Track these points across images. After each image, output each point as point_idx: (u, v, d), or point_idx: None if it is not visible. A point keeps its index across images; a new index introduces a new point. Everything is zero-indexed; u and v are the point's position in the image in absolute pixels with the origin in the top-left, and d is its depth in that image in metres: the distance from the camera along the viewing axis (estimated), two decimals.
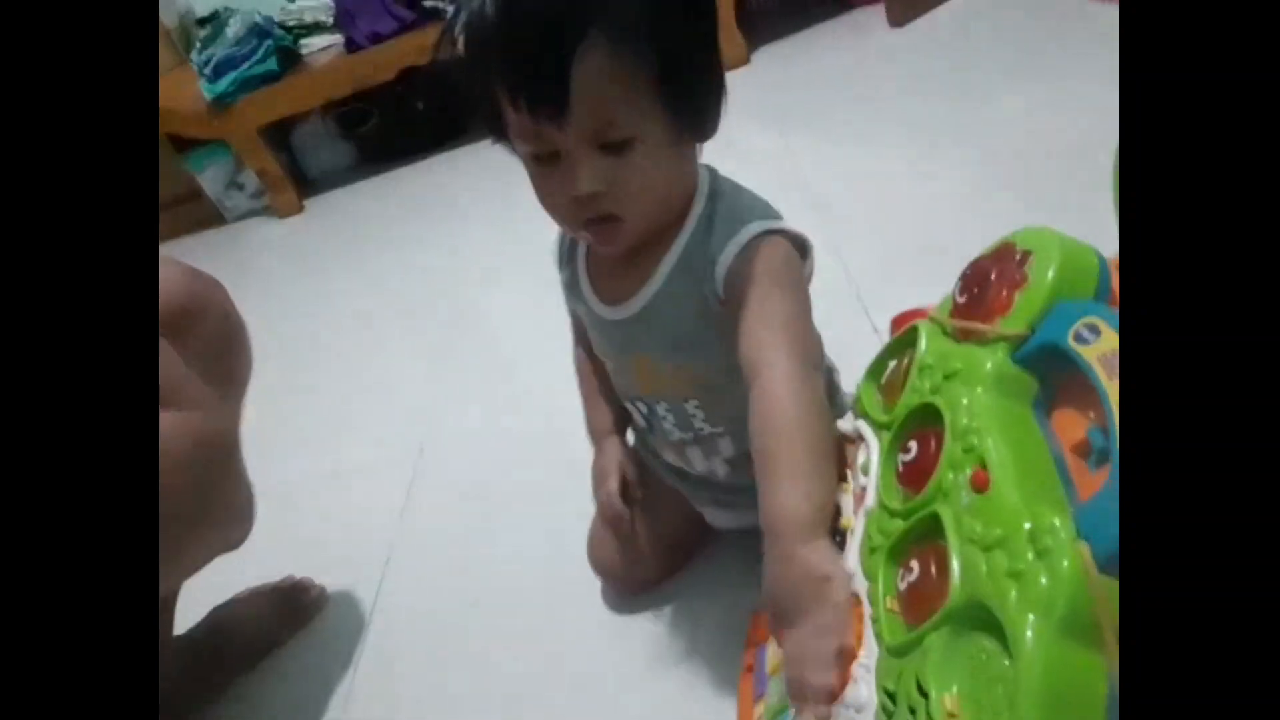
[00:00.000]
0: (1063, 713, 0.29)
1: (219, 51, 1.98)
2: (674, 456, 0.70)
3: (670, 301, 0.59)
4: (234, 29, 2.02)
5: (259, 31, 2.03)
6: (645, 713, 0.69)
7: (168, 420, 0.62)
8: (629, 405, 0.70)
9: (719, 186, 0.60)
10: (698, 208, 0.59)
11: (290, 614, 0.92)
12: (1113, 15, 1.38)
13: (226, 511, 0.70)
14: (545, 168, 0.56)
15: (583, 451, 0.78)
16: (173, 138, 2.09)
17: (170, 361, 0.64)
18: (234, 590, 0.92)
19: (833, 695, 0.39)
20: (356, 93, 2.06)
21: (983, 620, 0.33)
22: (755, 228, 0.56)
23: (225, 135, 2.03)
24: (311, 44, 2.18)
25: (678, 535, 0.77)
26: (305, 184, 2.24)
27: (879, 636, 0.39)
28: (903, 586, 0.39)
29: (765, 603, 0.47)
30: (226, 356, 0.76)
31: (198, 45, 2.05)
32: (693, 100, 0.55)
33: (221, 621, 0.90)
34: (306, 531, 1.05)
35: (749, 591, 0.69)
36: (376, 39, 2.05)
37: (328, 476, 1.16)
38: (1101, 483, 0.36)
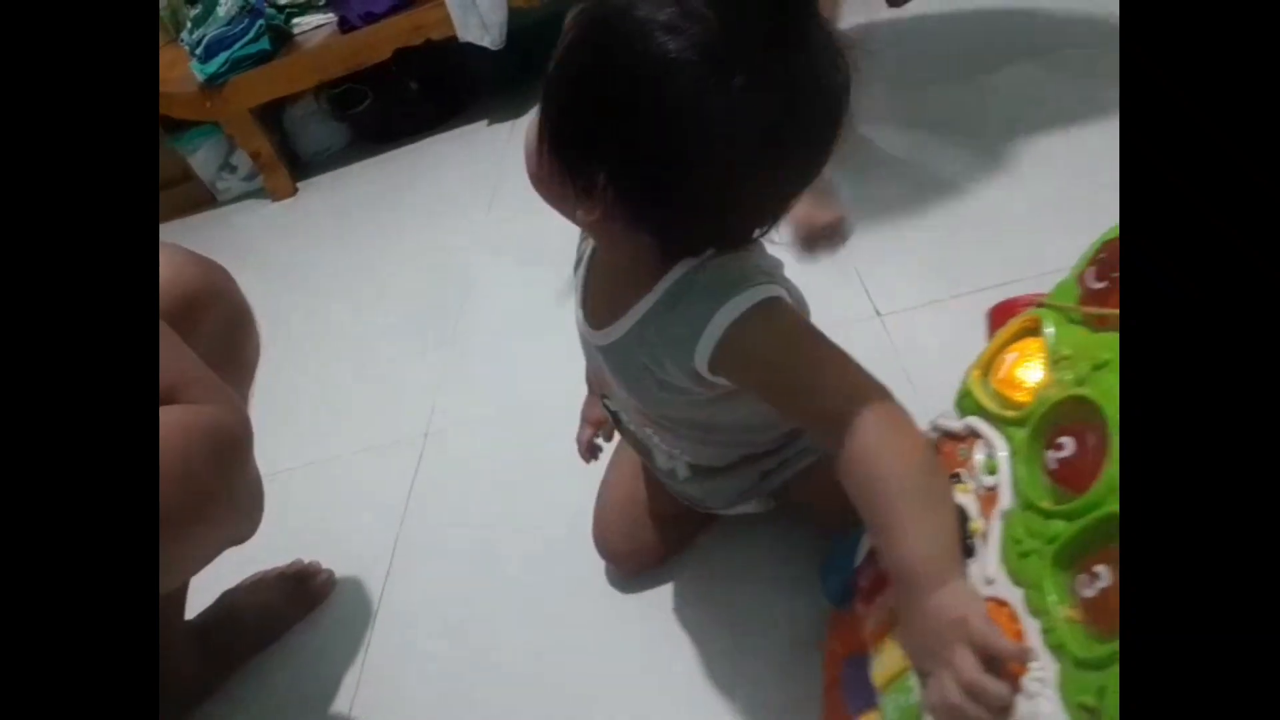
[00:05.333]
0: None
1: (210, 31, 1.91)
2: (639, 449, 0.72)
3: (629, 352, 0.57)
4: (225, 8, 1.95)
5: (250, 11, 1.96)
6: (655, 693, 0.71)
7: (182, 414, 0.61)
8: (603, 400, 0.71)
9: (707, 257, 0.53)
10: (679, 270, 0.53)
11: (299, 597, 0.93)
12: None
13: (238, 504, 0.70)
14: None
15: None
16: (163, 119, 2.02)
17: (182, 353, 0.63)
18: (242, 576, 0.93)
19: (1006, 711, 0.37)
20: (350, 73, 2.00)
21: None
22: (738, 305, 0.50)
23: (217, 116, 1.96)
24: (304, 23, 2.11)
25: (674, 510, 0.77)
26: (298, 165, 2.18)
27: (1056, 649, 0.36)
28: (1089, 594, 0.36)
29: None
30: (236, 344, 0.77)
31: (188, 25, 1.98)
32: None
33: (231, 606, 0.91)
34: (313, 517, 1.06)
35: (753, 584, 0.75)
36: (370, 18, 1.99)
37: (332, 462, 1.16)
38: None
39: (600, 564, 0.82)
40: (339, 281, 1.62)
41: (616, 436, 0.81)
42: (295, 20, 2.10)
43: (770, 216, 0.52)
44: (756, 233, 0.52)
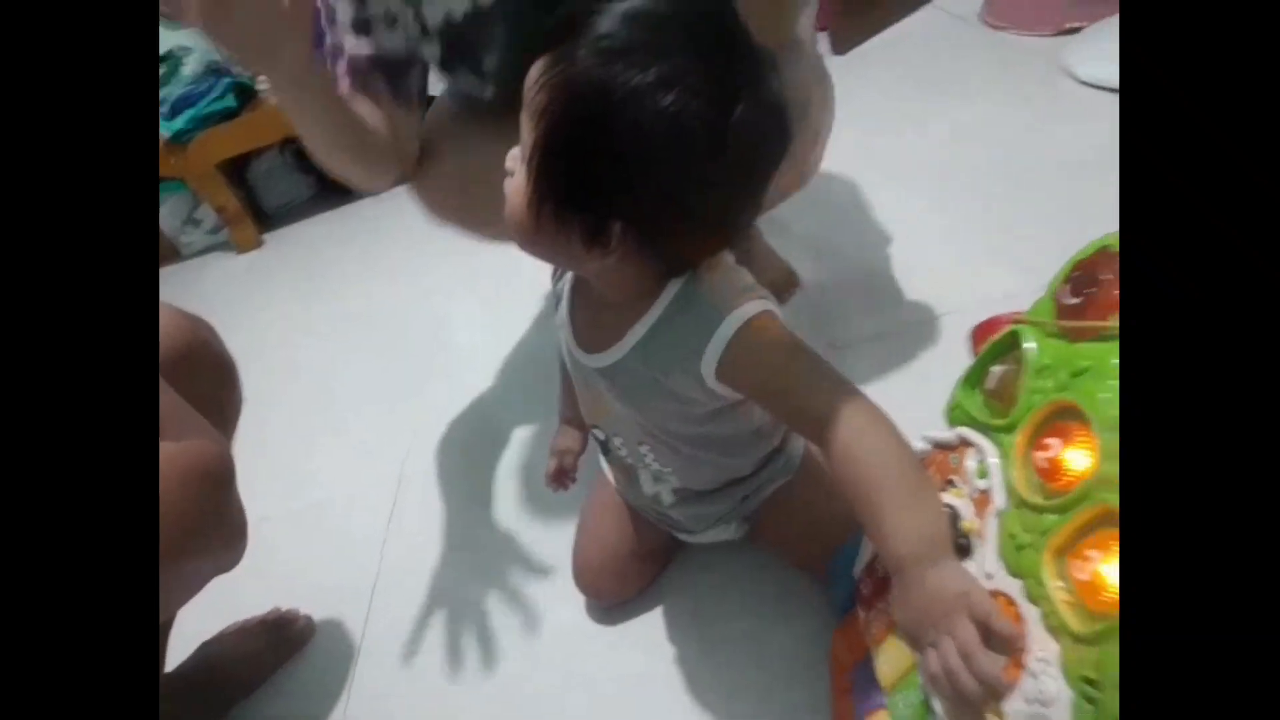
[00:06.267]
0: None
1: (175, 90, 1.93)
2: (624, 477, 0.74)
3: (636, 368, 0.60)
4: (190, 68, 1.97)
5: (215, 69, 1.99)
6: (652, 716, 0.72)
7: (167, 449, 0.63)
8: (589, 427, 0.73)
9: (697, 273, 0.57)
10: (673, 289, 0.57)
11: (280, 644, 0.93)
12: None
13: (224, 535, 0.71)
14: None
15: None
16: None
17: (168, 399, 0.65)
18: (221, 627, 0.93)
19: (1002, 686, 0.39)
20: None
21: None
22: (735, 320, 0.54)
23: (182, 173, 1.96)
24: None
25: (651, 545, 0.80)
26: (263, 217, 2.18)
27: (1057, 631, 0.39)
28: (1084, 577, 0.39)
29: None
30: (220, 396, 0.80)
31: None
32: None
33: (211, 656, 0.90)
34: (290, 564, 1.05)
35: (739, 603, 0.78)
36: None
37: (308, 509, 1.16)
38: None
39: (580, 598, 0.83)
40: (309, 332, 1.62)
41: (594, 475, 0.84)
42: (261, 77, 2.13)
43: (750, 220, 0.57)
44: (739, 237, 0.58)
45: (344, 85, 0.82)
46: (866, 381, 0.95)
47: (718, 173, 0.49)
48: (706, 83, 0.47)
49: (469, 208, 0.96)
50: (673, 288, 0.57)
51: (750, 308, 0.55)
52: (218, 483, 0.65)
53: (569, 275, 0.67)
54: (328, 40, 0.83)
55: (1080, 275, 0.49)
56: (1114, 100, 1.33)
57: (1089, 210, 1.08)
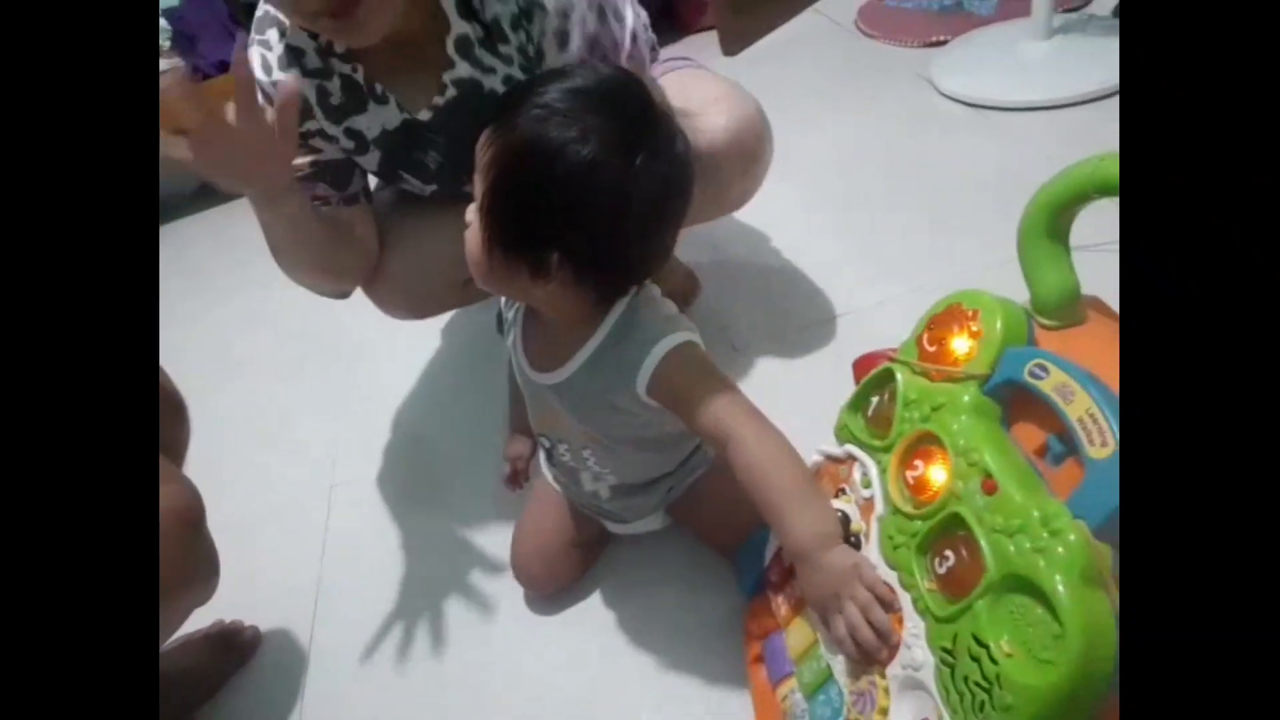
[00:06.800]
0: (1093, 634, 0.42)
1: None
2: (566, 476, 0.84)
3: (583, 384, 0.71)
4: None
5: None
6: (595, 695, 0.81)
7: None
8: (534, 434, 0.83)
9: (636, 301, 0.69)
10: (614, 315, 0.69)
11: (226, 657, 0.96)
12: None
13: (201, 571, 0.75)
14: None
15: (490, 468, 0.97)
16: None
17: None
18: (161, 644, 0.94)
19: (895, 643, 0.53)
20: None
21: (1015, 586, 0.47)
22: (666, 344, 0.67)
23: None
24: None
25: (586, 537, 0.90)
26: None
27: (923, 612, 0.52)
28: (941, 570, 0.52)
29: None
30: (172, 428, 0.83)
31: None
32: None
33: (161, 672, 0.90)
34: (229, 575, 1.06)
35: (665, 587, 0.88)
36: (225, 67, 1.97)
37: (240, 521, 1.15)
38: (1063, 476, 0.51)
39: (519, 591, 0.91)
40: (212, 340, 1.60)
41: (533, 478, 0.93)
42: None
43: (667, 252, 0.69)
44: (659, 266, 0.70)
45: None
46: (766, 381, 1.08)
47: (628, 209, 0.61)
48: (614, 137, 0.60)
49: (421, 299, 1.07)
50: (612, 317, 0.68)
51: (676, 337, 0.67)
52: (193, 525, 0.70)
53: (520, 305, 0.77)
54: None
55: (934, 328, 0.61)
56: (972, 113, 1.50)
57: (949, 219, 1.26)
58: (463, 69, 0.85)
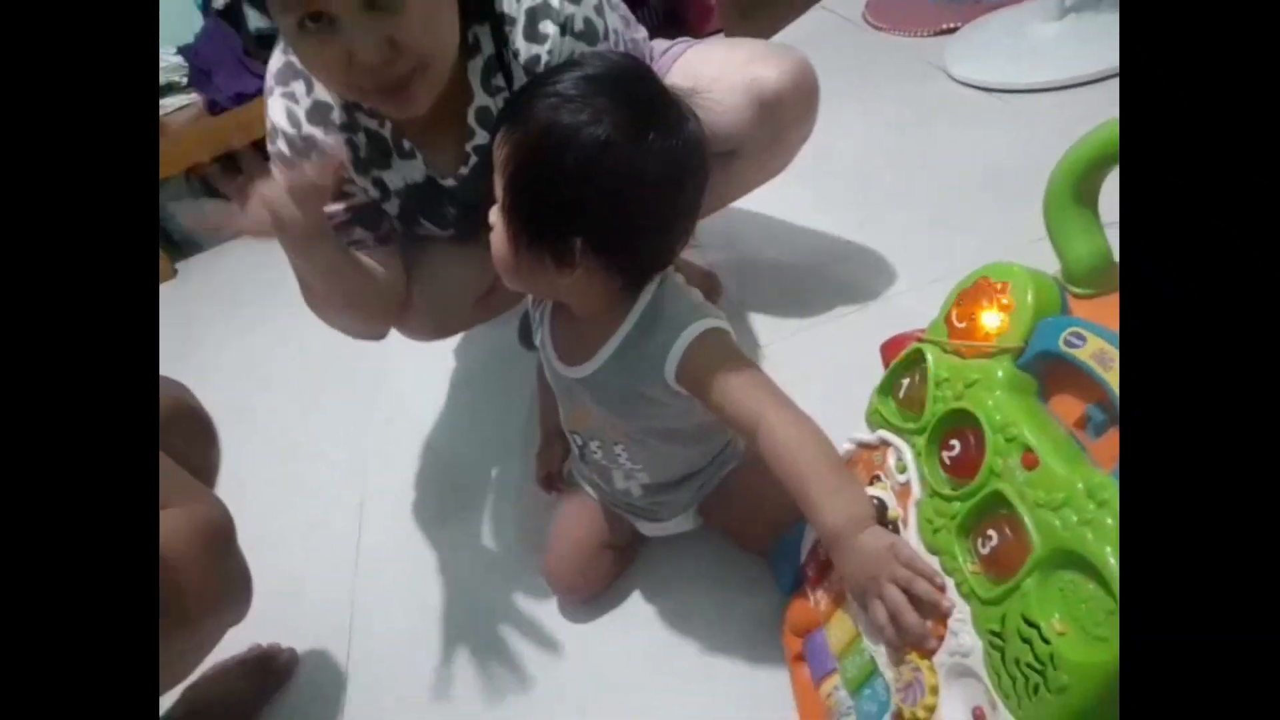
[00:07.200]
0: None
1: None
2: (598, 475, 0.84)
3: (613, 375, 0.70)
4: None
5: None
6: (637, 702, 0.79)
7: (179, 518, 0.67)
8: (566, 433, 0.83)
9: (664, 290, 0.70)
10: (642, 303, 0.69)
11: (264, 681, 0.95)
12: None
13: (235, 591, 0.75)
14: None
15: (516, 478, 0.99)
16: None
17: (165, 466, 0.70)
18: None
19: (944, 617, 0.51)
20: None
21: (1063, 562, 0.45)
22: (694, 330, 0.66)
23: None
24: (166, 105, 2.10)
25: (619, 539, 0.89)
26: (173, 245, 2.14)
27: (968, 596, 0.50)
28: (984, 551, 0.50)
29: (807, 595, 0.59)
30: (203, 451, 0.85)
31: None
32: None
33: (196, 701, 0.92)
34: (262, 598, 1.06)
35: (700, 588, 0.86)
36: (242, 99, 2.00)
37: (272, 542, 1.16)
38: (1105, 446, 0.49)
39: (554, 600, 0.90)
40: (240, 363, 1.63)
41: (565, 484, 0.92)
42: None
43: (686, 234, 0.69)
44: (679, 248, 0.70)
45: None
46: (794, 374, 1.04)
47: (646, 188, 0.62)
48: (626, 119, 0.61)
49: (443, 323, 1.09)
50: (639, 306, 0.68)
51: (705, 323, 0.67)
52: (225, 543, 0.70)
53: (547, 304, 0.77)
54: None
55: (963, 304, 0.60)
56: (987, 98, 1.48)
57: (968, 205, 1.24)
58: (481, 137, 0.87)
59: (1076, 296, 0.57)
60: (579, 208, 0.62)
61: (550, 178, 0.61)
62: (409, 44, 0.72)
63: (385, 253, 0.97)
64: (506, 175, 0.63)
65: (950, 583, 0.52)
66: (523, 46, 0.81)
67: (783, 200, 1.43)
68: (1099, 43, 1.42)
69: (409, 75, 0.74)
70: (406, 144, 0.89)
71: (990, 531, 0.50)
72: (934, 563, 0.54)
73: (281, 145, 0.86)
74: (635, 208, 0.63)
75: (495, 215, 0.66)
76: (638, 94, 0.63)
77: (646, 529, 0.89)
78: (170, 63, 2.12)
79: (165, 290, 2.03)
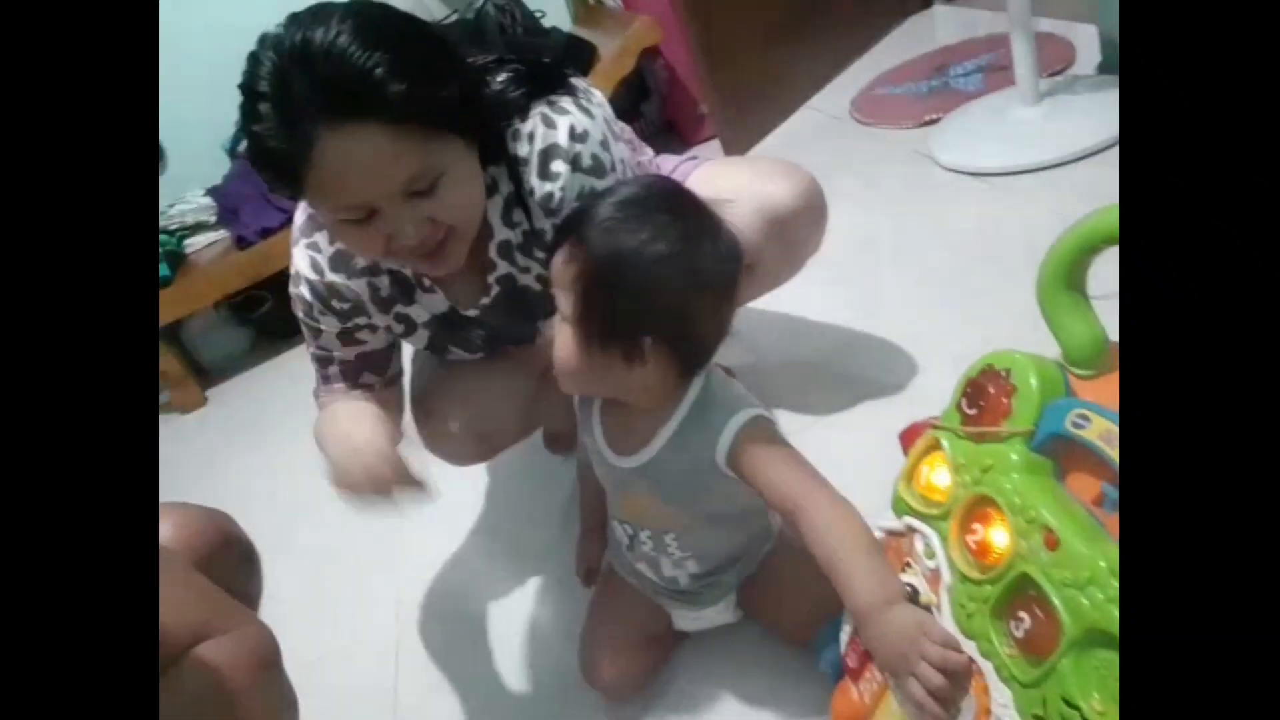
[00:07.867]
0: None
1: None
2: (646, 566, 0.86)
3: (667, 463, 0.76)
4: None
5: None
6: None
7: (231, 645, 0.69)
8: (615, 524, 0.86)
9: (711, 381, 0.77)
10: (693, 392, 0.75)
11: None
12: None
13: (284, 714, 0.76)
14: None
15: (555, 578, 1.02)
16: None
17: (207, 590, 0.72)
18: None
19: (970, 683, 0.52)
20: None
21: (1096, 640, 0.46)
22: (743, 416, 0.73)
23: None
24: (196, 242, 2.20)
25: (657, 629, 0.91)
26: (203, 374, 2.21)
27: (1008, 680, 0.51)
28: (1019, 634, 0.51)
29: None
30: (247, 580, 0.86)
31: None
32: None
33: None
34: (307, 712, 1.06)
35: (742, 679, 0.87)
36: (267, 233, 2.10)
37: (307, 665, 1.16)
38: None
39: (595, 707, 0.90)
40: (270, 486, 1.64)
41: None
42: (187, 241, 2.19)
43: (728, 327, 0.76)
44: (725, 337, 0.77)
45: (337, 386, 0.97)
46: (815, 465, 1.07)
47: (703, 286, 0.71)
48: (680, 230, 0.70)
49: (492, 439, 1.13)
50: (691, 394, 0.75)
51: (751, 410, 0.74)
52: (274, 666, 0.71)
53: (595, 403, 0.83)
54: (311, 346, 0.97)
55: (972, 390, 0.63)
56: (976, 183, 1.55)
57: (972, 286, 1.28)
58: (503, 267, 0.94)
59: (1079, 378, 0.60)
60: (649, 311, 0.70)
61: (623, 289, 0.69)
62: (445, 218, 0.79)
63: (391, 393, 1.02)
64: (578, 291, 0.70)
65: (989, 666, 0.53)
66: (537, 185, 0.87)
67: (788, 294, 1.47)
68: (1078, 122, 1.50)
69: (444, 241, 0.81)
70: (427, 281, 0.94)
71: (1022, 613, 0.52)
72: (971, 648, 0.55)
73: (304, 290, 0.92)
74: (695, 304, 0.71)
75: (557, 325, 0.73)
76: (683, 207, 0.72)
77: (686, 622, 0.90)
78: (200, 204, 2.23)
79: (197, 417, 2.08)
